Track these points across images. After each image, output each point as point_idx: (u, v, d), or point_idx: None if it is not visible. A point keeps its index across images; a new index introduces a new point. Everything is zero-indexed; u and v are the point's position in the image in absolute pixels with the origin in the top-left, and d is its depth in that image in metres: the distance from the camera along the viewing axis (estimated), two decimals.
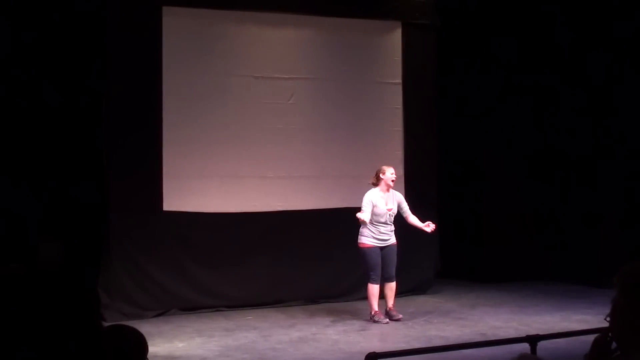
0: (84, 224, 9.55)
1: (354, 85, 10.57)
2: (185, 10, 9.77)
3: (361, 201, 9.01)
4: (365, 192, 9.04)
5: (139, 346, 2.68)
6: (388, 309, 9.06)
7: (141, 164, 9.48)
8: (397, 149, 10.69)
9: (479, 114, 11.96)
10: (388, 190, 9.07)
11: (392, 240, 9.07)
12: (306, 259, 10.10)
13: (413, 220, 9.17)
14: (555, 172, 11.81)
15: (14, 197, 9.38)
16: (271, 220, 10.00)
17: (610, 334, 2.63)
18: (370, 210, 8.89)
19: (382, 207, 8.98)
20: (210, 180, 9.80)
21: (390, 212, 9.02)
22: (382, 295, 9.11)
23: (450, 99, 11.71)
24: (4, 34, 9.36)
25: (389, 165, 9.32)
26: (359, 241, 9.03)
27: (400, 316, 9.04)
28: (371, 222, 8.94)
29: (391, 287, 9.08)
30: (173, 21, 9.71)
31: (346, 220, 9.94)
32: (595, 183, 11.35)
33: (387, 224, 8.99)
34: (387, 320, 8.98)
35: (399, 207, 9.15)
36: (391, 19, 10.77)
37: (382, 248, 9.00)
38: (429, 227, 9.04)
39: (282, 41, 10.24)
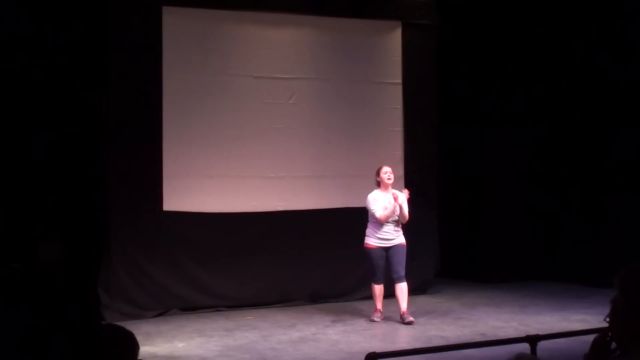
0: (84, 224, 9.54)
1: (354, 85, 10.57)
2: (185, 10, 9.77)
3: (361, 201, 9.08)
4: (366, 192, 9.07)
5: (130, 347, 2.67)
6: (401, 312, 8.94)
7: (141, 164, 9.48)
8: (397, 149, 10.69)
9: (479, 113, 11.96)
10: (387, 189, 9.07)
11: (399, 240, 9.01)
12: (306, 259, 10.10)
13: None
14: (556, 172, 11.80)
15: (14, 197, 9.37)
16: (271, 220, 10.00)
17: (610, 334, 2.63)
18: (380, 207, 8.89)
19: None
20: (210, 180, 9.80)
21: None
22: (394, 296, 9.05)
23: (451, 99, 11.70)
24: (4, 34, 9.35)
25: (388, 164, 9.33)
26: (364, 241, 9.05)
27: (412, 319, 8.87)
28: (373, 222, 8.96)
29: (401, 288, 8.94)
30: (173, 21, 9.71)
31: (346, 220, 9.96)
32: (595, 183, 11.35)
33: (389, 222, 8.98)
34: (378, 319, 8.99)
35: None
36: (391, 19, 10.76)
37: (388, 249, 8.98)
38: (397, 199, 8.88)
39: (282, 41, 10.23)
